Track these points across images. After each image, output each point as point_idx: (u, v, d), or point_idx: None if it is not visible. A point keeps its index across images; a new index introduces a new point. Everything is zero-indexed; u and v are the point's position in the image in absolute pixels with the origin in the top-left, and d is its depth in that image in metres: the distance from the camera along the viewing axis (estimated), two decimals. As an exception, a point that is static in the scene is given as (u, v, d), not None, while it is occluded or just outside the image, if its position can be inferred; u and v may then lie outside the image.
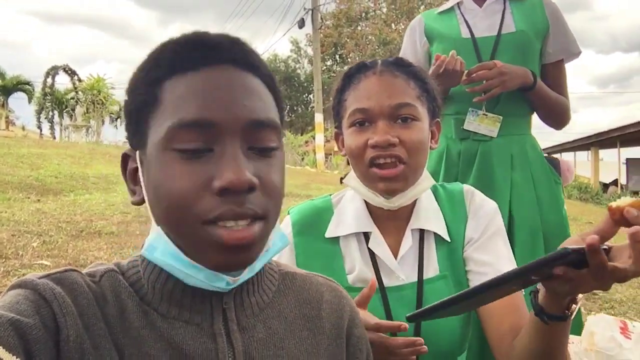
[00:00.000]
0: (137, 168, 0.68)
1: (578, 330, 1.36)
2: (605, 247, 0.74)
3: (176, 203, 0.61)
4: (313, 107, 24.56)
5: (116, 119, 21.79)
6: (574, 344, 1.19)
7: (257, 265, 0.68)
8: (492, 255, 1.15)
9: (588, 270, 0.72)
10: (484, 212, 1.19)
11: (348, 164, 1.24)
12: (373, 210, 1.19)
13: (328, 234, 1.18)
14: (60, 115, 21.37)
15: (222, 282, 0.64)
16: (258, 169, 0.63)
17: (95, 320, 0.61)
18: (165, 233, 0.64)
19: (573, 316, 0.88)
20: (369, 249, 1.17)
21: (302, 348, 0.73)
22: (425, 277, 1.15)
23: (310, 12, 18.90)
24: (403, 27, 25.04)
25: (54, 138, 18.59)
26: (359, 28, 26.54)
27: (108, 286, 0.65)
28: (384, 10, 27.00)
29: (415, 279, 1.14)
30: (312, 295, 0.79)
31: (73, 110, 20.14)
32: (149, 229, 0.70)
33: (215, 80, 0.63)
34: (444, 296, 1.09)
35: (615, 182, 21.38)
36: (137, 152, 0.68)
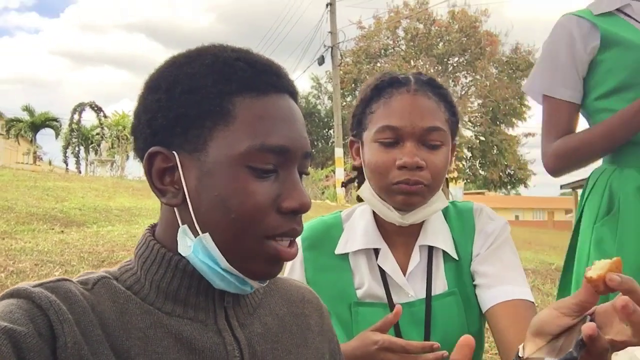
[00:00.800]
0: (169, 168, 0.69)
1: None
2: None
3: (247, 217, 0.66)
4: (333, 142, 24.74)
5: (140, 155, 22.09)
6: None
7: None
8: (496, 266, 1.14)
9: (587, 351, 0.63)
10: (491, 227, 1.19)
11: (354, 177, 1.26)
12: (382, 226, 1.19)
13: (337, 251, 1.18)
14: (86, 151, 21.84)
15: (248, 287, 0.71)
16: None
17: (92, 327, 0.61)
18: (215, 239, 0.66)
19: None
20: (378, 265, 1.16)
21: (294, 342, 0.80)
22: (433, 293, 1.14)
23: (329, 49, 19.22)
24: (422, 63, 25.27)
25: (80, 172, 18.94)
26: (378, 65, 26.85)
27: (103, 293, 0.66)
28: (403, 47, 27.33)
29: (423, 295, 1.14)
30: (295, 295, 0.86)
31: (98, 145, 20.59)
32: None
33: (285, 109, 0.70)
34: (452, 313, 1.10)
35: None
36: (176, 154, 0.68)
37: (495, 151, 26.20)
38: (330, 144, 31.67)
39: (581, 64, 1.49)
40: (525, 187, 28.82)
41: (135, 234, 6.53)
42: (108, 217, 8.02)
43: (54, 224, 6.82)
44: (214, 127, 0.67)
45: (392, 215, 1.13)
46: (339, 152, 17.80)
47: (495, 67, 26.74)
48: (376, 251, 1.18)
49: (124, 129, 20.43)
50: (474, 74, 26.06)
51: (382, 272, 1.16)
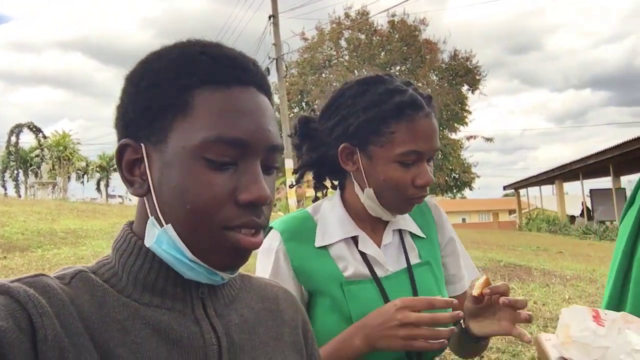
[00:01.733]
0: (137, 159, 0.70)
1: None
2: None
3: (202, 208, 0.66)
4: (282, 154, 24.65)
5: (83, 175, 21.46)
6: (551, 340, 1.22)
7: None
8: (455, 263, 1.39)
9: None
10: (446, 221, 1.40)
11: (336, 186, 1.35)
12: (355, 216, 1.28)
13: (317, 244, 1.24)
14: (25, 174, 21.00)
15: (217, 277, 0.71)
16: (266, 185, 0.70)
17: (71, 319, 0.61)
18: (177, 230, 0.68)
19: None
20: (359, 250, 1.25)
21: (270, 335, 0.81)
22: (411, 263, 1.27)
23: (274, 61, 19.28)
24: (365, 72, 25.65)
25: (20, 196, 18.16)
26: (323, 75, 27.12)
27: (81, 286, 0.67)
28: (346, 57, 27.73)
29: (404, 266, 1.26)
30: (269, 292, 0.88)
31: (38, 167, 19.84)
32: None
33: (247, 102, 0.70)
34: (430, 279, 1.27)
35: (582, 214, 21.87)
36: (143, 145, 0.69)
37: (440, 156, 26.85)
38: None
39: None
40: (470, 189, 29.69)
41: (83, 256, 6.32)
42: (53, 240, 7.74)
43: (-5, 250, 6.52)
44: (174, 119, 0.68)
45: (386, 215, 1.26)
46: (289, 162, 17.80)
47: (435, 74, 27.50)
48: (354, 238, 1.26)
49: (65, 149, 19.78)
50: (416, 81, 26.42)
51: (364, 255, 1.24)
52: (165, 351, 0.66)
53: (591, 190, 22.22)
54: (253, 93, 0.71)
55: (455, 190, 29.92)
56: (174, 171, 0.67)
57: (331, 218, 1.28)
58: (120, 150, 0.71)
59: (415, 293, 1.22)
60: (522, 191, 29.20)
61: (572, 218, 22.15)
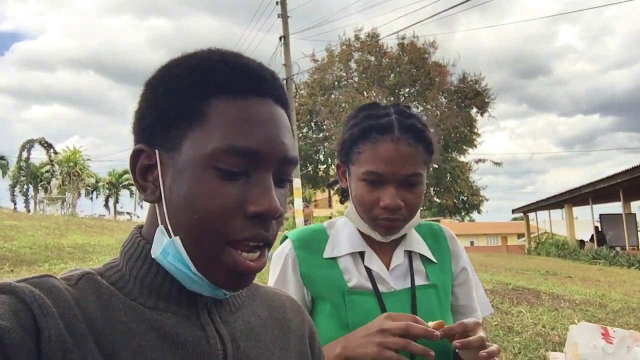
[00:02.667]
0: (150, 165, 0.71)
1: None
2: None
3: (209, 218, 0.65)
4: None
5: (92, 191, 21.58)
6: (559, 359, 1.21)
7: None
8: (467, 295, 1.39)
9: None
10: (462, 251, 1.41)
11: (342, 199, 1.43)
12: (365, 234, 1.32)
13: (326, 255, 1.30)
14: (35, 189, 21.15)
15: (220, 292, 0.71)
16: (278, 198, 0.69)
17: (75, 320, 0.61)
18: (183, 242, 0.67)
19: None
20: (364, 266, 1.29)
21: (276, 343, 0.80)
22: (417, 284, 1.29)
23: (285, 81, 19.44)
24: (374, 94, 25.81)
25: (29, 211, 18.27)
26: (333, 96, 27.27)
27: (87, 288, 0.67)
28: (356, 78, 27.89)
29: (408, 285, 1.28)
30: (275, 301, 0.88)
31: (48, 183, 19.97)
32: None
33: (262, 113, 0.69)
34: (433, 302, 1.27)
35: (592, 239, 21.64)
36: (157, 152, 0.70)
37: (448, 178, 26.79)
38: (287, 175, 31.58)
39: None
40: (479, 213, 29.49)
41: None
42: (60, 255, 7.76)
43: (2, 264, 6.55)
44: (189, 127, 0.68)
45: (375, 235, 1.29)
46: (297, 182, 17.84)
47: (444, 97, 27.57)
48: (361, 254, 1.31)
49: (75, 165, 19.94)
50: (424, 103, 26.72)
51: (369, 271, 1.28)
52: (170, 355, 0.66)
53: (601, 215, 22.01)
54: (269, 104, 0.71)
55: (463, 213, 29.72)
56: (184, 179, 0.67)
57: (342, 233, 1.34)
58: (135, 156, 0.71)
59: (414, 312, 1.23)
60: (531, 215, 28.99)
61: (582, 243, 21.91)
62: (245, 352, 0.74)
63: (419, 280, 1.30)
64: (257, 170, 0.68)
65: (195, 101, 0.68)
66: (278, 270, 1.29)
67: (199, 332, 0.70)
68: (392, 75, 27.27)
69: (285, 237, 1.35)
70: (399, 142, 1.21)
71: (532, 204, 27.40)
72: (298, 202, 17.53)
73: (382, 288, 1.26)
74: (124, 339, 0.64)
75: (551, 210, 26.71)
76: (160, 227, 0.69)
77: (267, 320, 0.82)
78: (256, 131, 0.68)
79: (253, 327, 0.78)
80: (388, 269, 1.30)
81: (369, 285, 1.26)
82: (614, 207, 23.20)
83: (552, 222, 26.95)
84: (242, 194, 0.66)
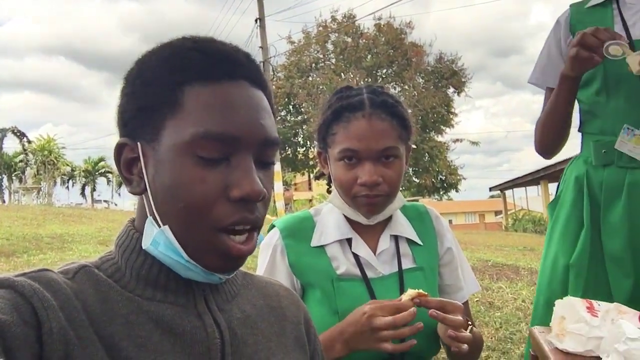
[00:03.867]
0: (134, 158, 0.71)
1: None
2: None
3: (194, 206, 0.66)
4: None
5: (68, 180, 21.24)
6: (544, 333, 1.24)
7: None
8: (453, 273, 1.40)
9: None
10: (447, 232, 1.43)
11: (328, 186, 1.42)
12: (351, 220, 1.34)
13: (313, 243, 1.31)
14: (10, 179, 20.73)
15: (215, 277, 0.72)
16: (261, 180, 0.69)
17: (76, 312, 0.61)
18: (173, 230, 0.67)
19: None
20: (352, 252, 1.30)
21: (272, 330, 0.82)
22: (404, 267, 1.31)
23: (261, 64, 19.27)
24: (352, 76, 25.74)
25: (4, 202, 17.93)
26: (310, 78, 27.12)
27: (85, 281, 0.67)
28: (333, 60, 27.75)
29: (395, 270, 1.30)
30: (270, 290, 0.89)
31: (23, 172, 19.59)
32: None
33: (238, 96, 0.69)
34: (422, 284, 1.28)
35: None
36: (139, 144, 0.70)
37: (426, 158, 26.96)
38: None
39: (566, 56, 1.48)
40: (457, 191, 29.83)
41: (70, 260, 6.25)
42: (39, 246, 7.65)
43: (-20, 256, 6.44)
44: (167, 117, 0.68)
45: (359, 218, 1.31)
46: (277, 166, 17.80)
47: (421, 77, 27.62)
48: (348, 240, 1.32)
49: (50, 154, 19.58)
50: (402, 84, 26.73)
51: (357, 257, 1.30)
52: (168, 344, 0.67)
53: (576, 191, 22.37)
54: (245, 87, 0.71)
55: (441, 192, 30.03)
56: (166, 169, 0.67)
57: (329, 220, 1.35)
58: (118, 149, 0.72)
59: None
60: (508, 192, 29.42)
61: (558, 218, 22.28)
62: (242, 339, 0.75)
63: (406, 264, 1.32)
64: (236, 154, 0.68)
65: (170, 90, 0.68)
66: (267, 260, 1.30)
67: (197, 321, 0.71)
68: (369, 57, 27.18)
69: (273, 226, 1.35)
70: (371, 117, 1.22)
71: (508, 181, 27.76)
72: (278, 186, 17.51)
73: (370, 273, 1.28)
74: (124, 330, 0.65)
75: (527, 187, 27.13)
76: (149, 218, 0.70)
77: (263, 309, 0.83)
78: (232, 115, 0.68)
79: (249, 315, 0.79)
80: (375, 254, 1.31)
81: (357, 271, 1.27)
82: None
83: (528, 199, 27.42)
84: (224, 179, 0.67)
